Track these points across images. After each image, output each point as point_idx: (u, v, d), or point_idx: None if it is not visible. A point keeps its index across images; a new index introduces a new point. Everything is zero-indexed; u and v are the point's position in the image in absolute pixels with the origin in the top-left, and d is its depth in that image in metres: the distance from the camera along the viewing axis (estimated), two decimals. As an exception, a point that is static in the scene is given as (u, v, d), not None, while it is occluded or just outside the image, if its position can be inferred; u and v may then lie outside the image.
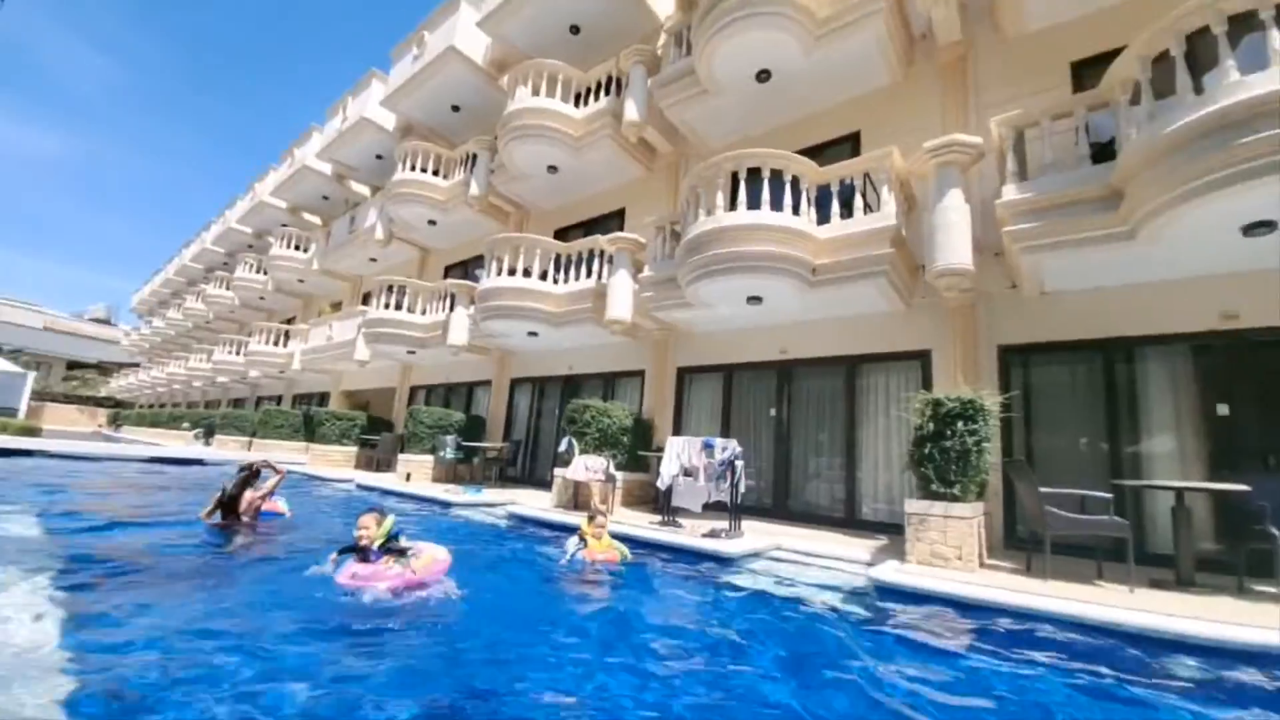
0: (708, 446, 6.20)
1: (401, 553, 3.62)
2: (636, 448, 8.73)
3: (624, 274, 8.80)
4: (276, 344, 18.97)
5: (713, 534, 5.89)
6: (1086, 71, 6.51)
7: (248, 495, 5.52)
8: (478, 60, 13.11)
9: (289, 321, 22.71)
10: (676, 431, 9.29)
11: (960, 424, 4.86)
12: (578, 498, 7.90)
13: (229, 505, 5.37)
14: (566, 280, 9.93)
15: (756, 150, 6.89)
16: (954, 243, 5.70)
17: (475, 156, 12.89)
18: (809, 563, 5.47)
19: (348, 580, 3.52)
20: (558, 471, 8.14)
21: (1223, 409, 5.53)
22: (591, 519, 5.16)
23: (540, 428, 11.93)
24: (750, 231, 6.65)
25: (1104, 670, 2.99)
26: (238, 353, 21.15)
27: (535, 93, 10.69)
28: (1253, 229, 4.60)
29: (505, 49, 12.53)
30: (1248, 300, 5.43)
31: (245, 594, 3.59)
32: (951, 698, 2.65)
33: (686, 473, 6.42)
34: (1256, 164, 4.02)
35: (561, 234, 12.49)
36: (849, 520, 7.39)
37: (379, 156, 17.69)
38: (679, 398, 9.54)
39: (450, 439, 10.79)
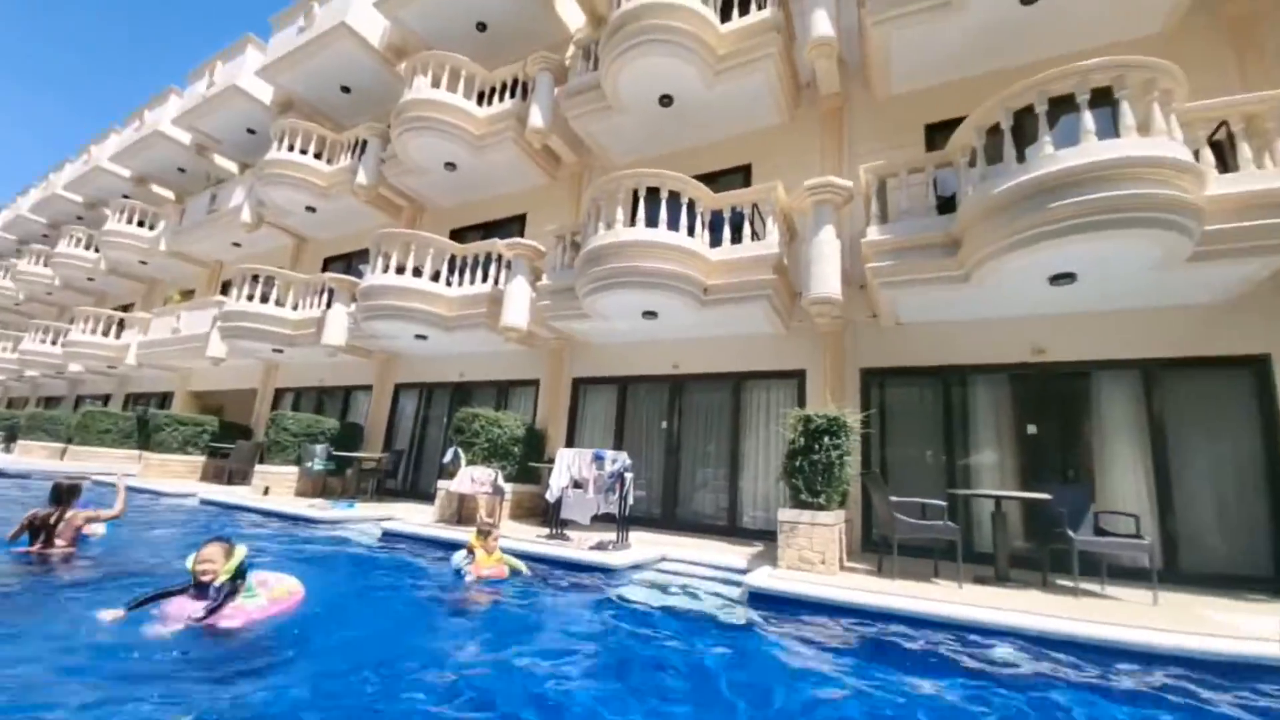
0: (598, 458, 6.23)
1: (251, 586, 3.20)
2: (528, 459, 8.55)
3: (522, 281, 8.64)
4: (107, 334, 16.20)
5: (600, 546, 5.90)
6: (937, 133, 7.50)
7: (70, 517, 4.60)
8: (373, 42, 12.29)
9: (125, 309, 19.55)
10: (570, 442, 9.23)
11: (827, 439, 5.31)
12: (462, 511, 7.56)
13: (41, 529, 4.45)
14: (461, 283, 9.55)
15: (658, 171, 7.13)
16: (826, 274, 6.29)
17: (365, 143, 12.02)
18: (692, 572, 5.66)
19: (172, 624, 2.93)
20: (441, 484, 7.74)
21: (1032, 429, 6.56)
22: (485, 534, 4.97)
23: (426, 437, 11.28)
24: (649, 248, 6.84)
25: (934, 660, 3.40)
26: (53, 342, 17.78)
27: (435, 84, 10.23)
28: (1057, 279, 5.54)
29: (405, 35, 11.88)
30: (1053, 338, 6.52)
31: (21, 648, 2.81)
32: (820, 691, 2.87)
33: (576, 484, 6.40)
34: (1062, 226, 4.85)
35: (459, 234, 12.00)
36: (731, 529, 7.77)
37: (251, 131, 15.91)
38: (574, 408, 9.50)
39: (320, 448, 9.85)
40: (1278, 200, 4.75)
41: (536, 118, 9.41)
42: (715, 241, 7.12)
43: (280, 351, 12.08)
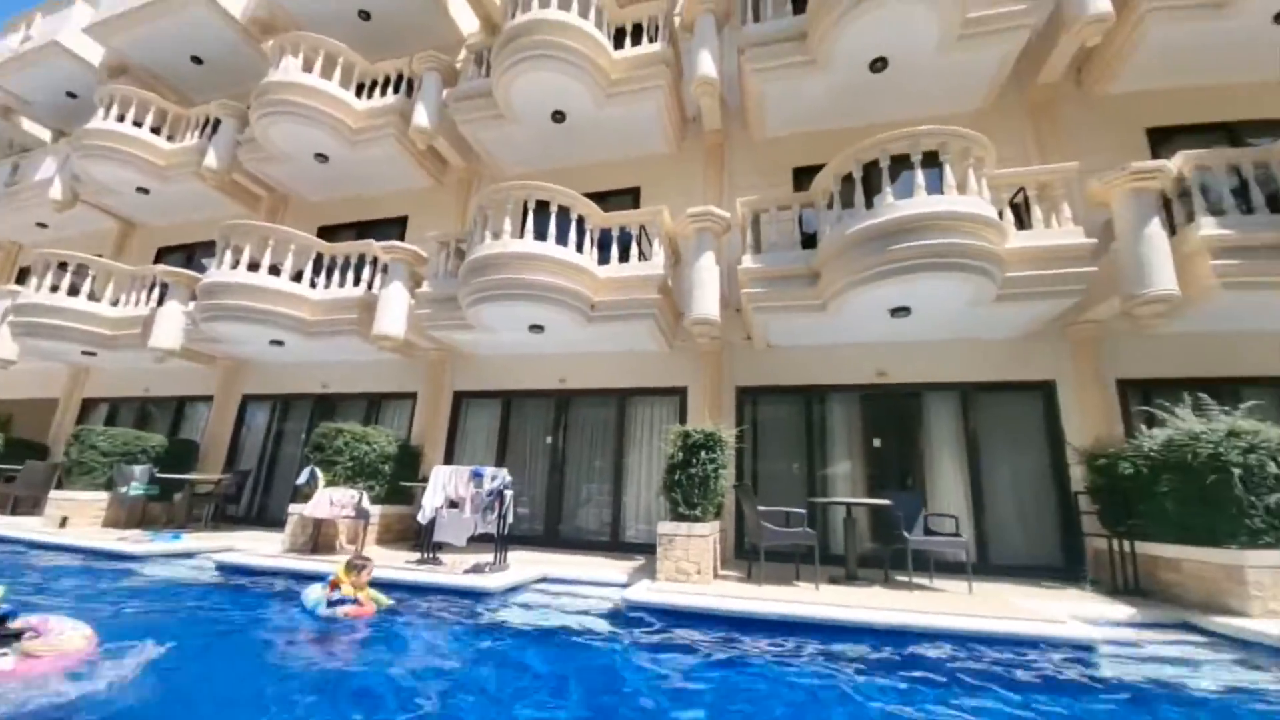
0: (476, 476, 5.98)
1: (13, 636, 2.62)
2: (401, 478, 7.98)
3: (399, 287, 8.12)
4: None
5: (476, 569, 5.65)
6: (804, 176, 8.30)
7: None
8: (234, 12, 11.02)
9: None
10: (450, 459, 8.78)
11: (704, 453, 5.59)
12: (319, 539, 6.85)
13: None
14: (328, 285, 8.75)
15: (548, 185, 7.12)
16: (706, 297, 6.68)
17: (218, 122, 10.67)
18: (573, 590, 5.60)
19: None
20: (293, 508, 6.96)
21: (877, 442, 7.40)
22: (358, 568, 4.47)
23: (280, 455, 10.09)
24: (537, 261, 6.78)
25: (791, 661, 3.67)
26: None
27: (307, 68, 9.39)
28: (896, 312, 6.36)
29: (274, 10, 10.82)
30: (894, 363, 7.43)
31: None
32: (688, 685, 2.96)
33: (452, 504, 6.08)
34: (898, 266, 5.59)
35: (329, 232, 11.00)
36: (615, 544, 7.84)
37: (71, 95, 13.48)
38: (454, 423, 9.07)
39: (140, 470, 8.41)
40: (1061, 254, 5.85)
41: (422, 117, 8.99)
42: (604, 259, 7.25)
43: (93, 354, 10.19)
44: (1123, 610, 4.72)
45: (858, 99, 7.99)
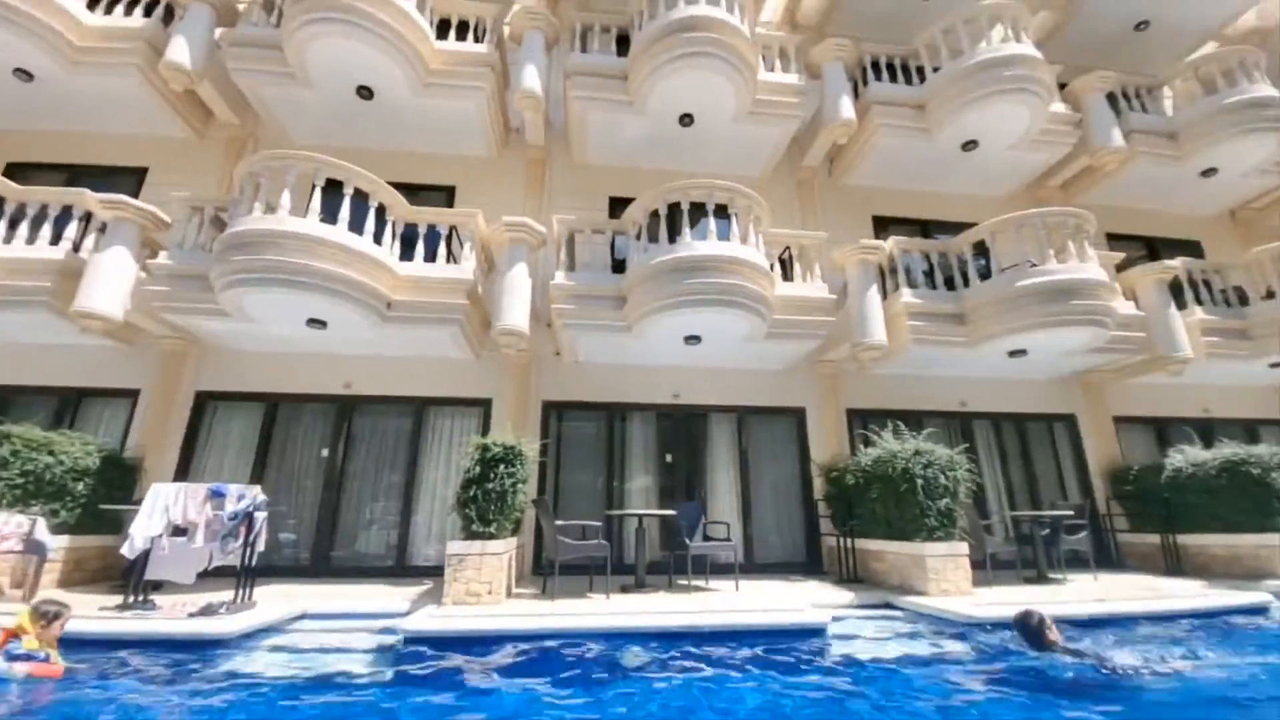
0: (216, 495, 4.92)
1: None
2: (105, 499, 6.15)
3: (123, 253, 6.39)
4: None
5: (207, 610, 4.59)
6: (618, 204, 8.78)
7: None
8: None
9: None
10: (185, 476, 7.08)
11: (502, 467, 5.42)
12: (-50, 585, 4.92)
13: None
14: (8, 239, 6.50)
15: (346, 164, 6.32)
16: (516, 308, 6.58)
17: None
18: (342, 626, 4.88)
19: None
20: (-94, 545, 4.89)
21: (669, 458, 8.05)
22: (49, 615, 3.44)
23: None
24: (323, 247, 5.93)
25: (576, 668, 3.72)
26: None
27: (-5, -48, 6.97)
28: (689, 339, 7.06)
29: None
30: (686, 386, 8.19)
31: None
32: None
33: (179, 531, 4.90)
34: (694, 298, 6.23)
35: (20, 171, 8.19)
36: (400, 568, 7.12)
37: None
38: (193, 431, 7.36)
39: None
40: (812, 305, 7.13)
41: (181, 53, 7.30)
42: (407, 256, 6.67)
43: None
44: (846, 595, 5.82)
45: (669, 146, 8.79)
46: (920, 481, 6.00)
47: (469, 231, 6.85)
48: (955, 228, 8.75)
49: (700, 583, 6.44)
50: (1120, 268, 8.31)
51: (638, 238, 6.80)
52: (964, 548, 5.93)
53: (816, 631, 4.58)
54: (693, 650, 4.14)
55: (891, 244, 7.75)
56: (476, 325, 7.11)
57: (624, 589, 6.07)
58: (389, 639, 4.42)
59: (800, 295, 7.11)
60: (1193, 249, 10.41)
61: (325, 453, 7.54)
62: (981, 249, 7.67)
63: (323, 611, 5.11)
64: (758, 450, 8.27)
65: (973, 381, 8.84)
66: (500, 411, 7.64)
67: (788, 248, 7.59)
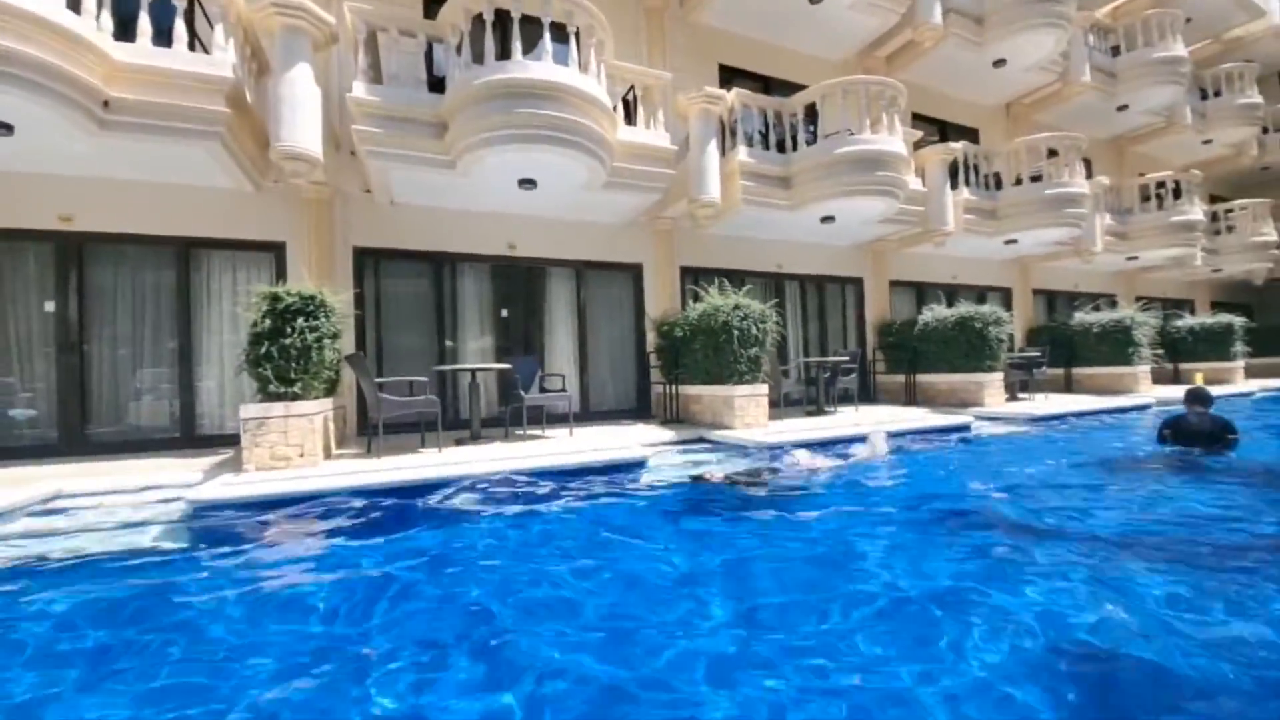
0: None
1: None
2: None
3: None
4: None
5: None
6: (435, 3, 7.17)
7: None
8: None
9: None
10: None
11: (301, 320, 4.70)
12: None
13: None
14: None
15: None
16: (300, 122, 5.22)
17: None
18: (109, 503, 4.17)
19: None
20: None
21: (505, 313, 7.76)
22: None
23: None
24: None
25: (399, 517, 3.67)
26: None
27: None
28: (524, 183, 6.44)
29: None
30: (522, 237, 7.68)
31: None
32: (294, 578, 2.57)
33: None
34: (527, 132, 5.54)
35: None
36: (189, 439, 6.17)
37: None
38: None
39: None
40: (654, 154, 6.85)
41: None
42: (125, 37, 4.80)
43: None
44: (668, 434, 6.48)
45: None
46: (737, 332, 6.63)
47: (220, 8, 5.04)
48: (794, 88, 8.84)
49: (537, 432, 6.66)
50: (916, 146, 9.29)
51: (458, 51, 5.64)
52: (765, 389, 6.87)
53: (639, 464, 5.08)
54: (530, 490, 4.32)
55: (734, 96, 7.60)
56: (249, 144, 5.61)
57: (458, 442, 6.04)
58: (175, 509, 3.92)
59: (643, 142, 6.76)
60: (972, 136, 12.01)
61: (50, 306, 5.85)
62: (811, 114, 7.93)
63: (83, 490, 4.30)
64: (595, 305, 8.33)
65: (788, 245, 9.67)
66: (298, 258, 6.47)
67: (632, 87, 7.02)
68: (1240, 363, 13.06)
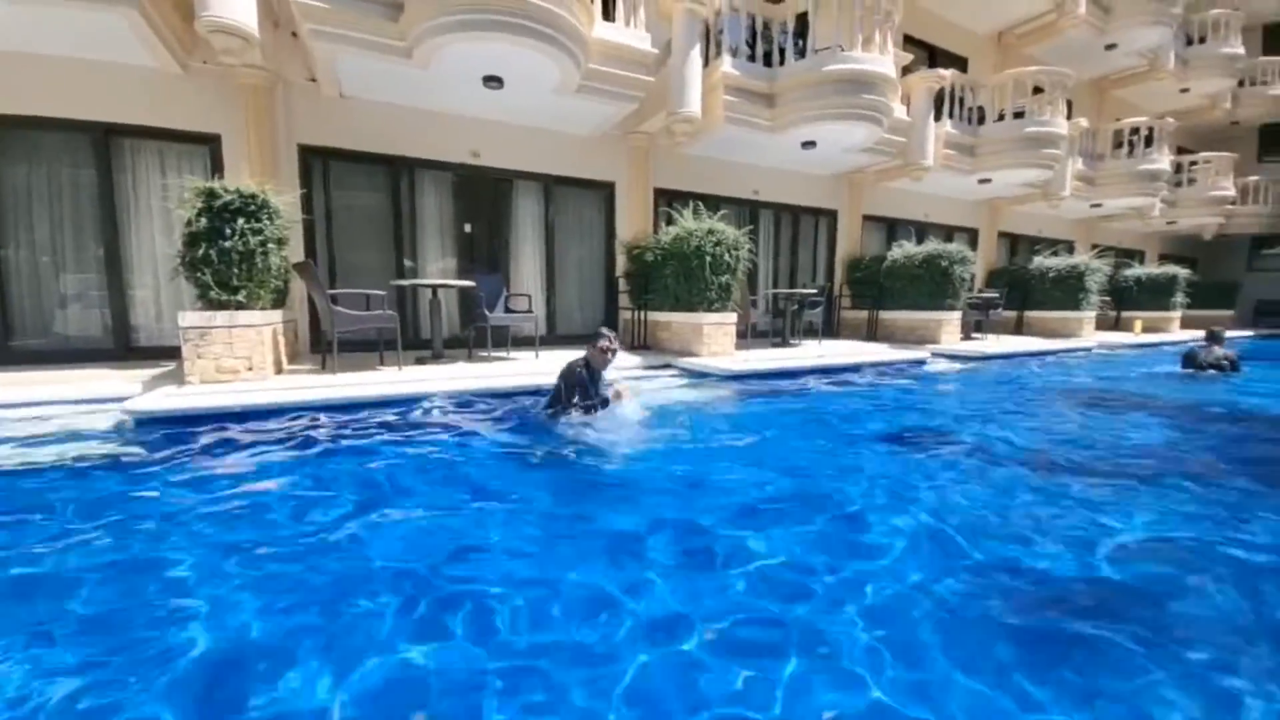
0: None
1: None
2: None
3: None
4: None
5: None
6: None
7: None
8: None
9: None
10: None
11: (241, 221, 4.30)
12: None
13: None
14: None
15: None
16: (229, -10, 4.52)
17: None
18: (31, 414, 3.88)
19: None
20: None
21: (468, 227, 7.33)
22: None
23: None
24: None
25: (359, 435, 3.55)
26: None
27: None
28: (489, 80, 5.86)
29: None
30: (487, 145, 7.15)
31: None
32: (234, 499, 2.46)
33: None
34: (492, 19, 4.93)
35: None
36: (124, 350, 5.77)
37: None
38: None
39: None
40: (632, 57, 6.30)
41: None
42: None
43: None
44: (635, 359, 6.42)
45: None
46: (709, 258, 6.48)
47: None
48: (784, -4, 8.21)
49: (501, 354, 6.50)
50: (904, 72, 8.90)
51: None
52: (733, 318, 6.85)
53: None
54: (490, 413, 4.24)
55: (722, -2, 7.00)
56: (170, 14, 4.88)
57: (419, 361, 5.86)
58: (108, 421, 3.68)
59: (621, 42, 6.19)
60: (961, 65, 11.58)
61: (-57, 197, 5.17)
62: (803, 25, 7.41)
63: (11, 401, 3.98)
64: (564, 224, 7.96)
65: (766, 170, 9.36)
66: (236, 153, 5.84)
67: (608, -26, 6.33)
68: (1178, 313, 13.79)
